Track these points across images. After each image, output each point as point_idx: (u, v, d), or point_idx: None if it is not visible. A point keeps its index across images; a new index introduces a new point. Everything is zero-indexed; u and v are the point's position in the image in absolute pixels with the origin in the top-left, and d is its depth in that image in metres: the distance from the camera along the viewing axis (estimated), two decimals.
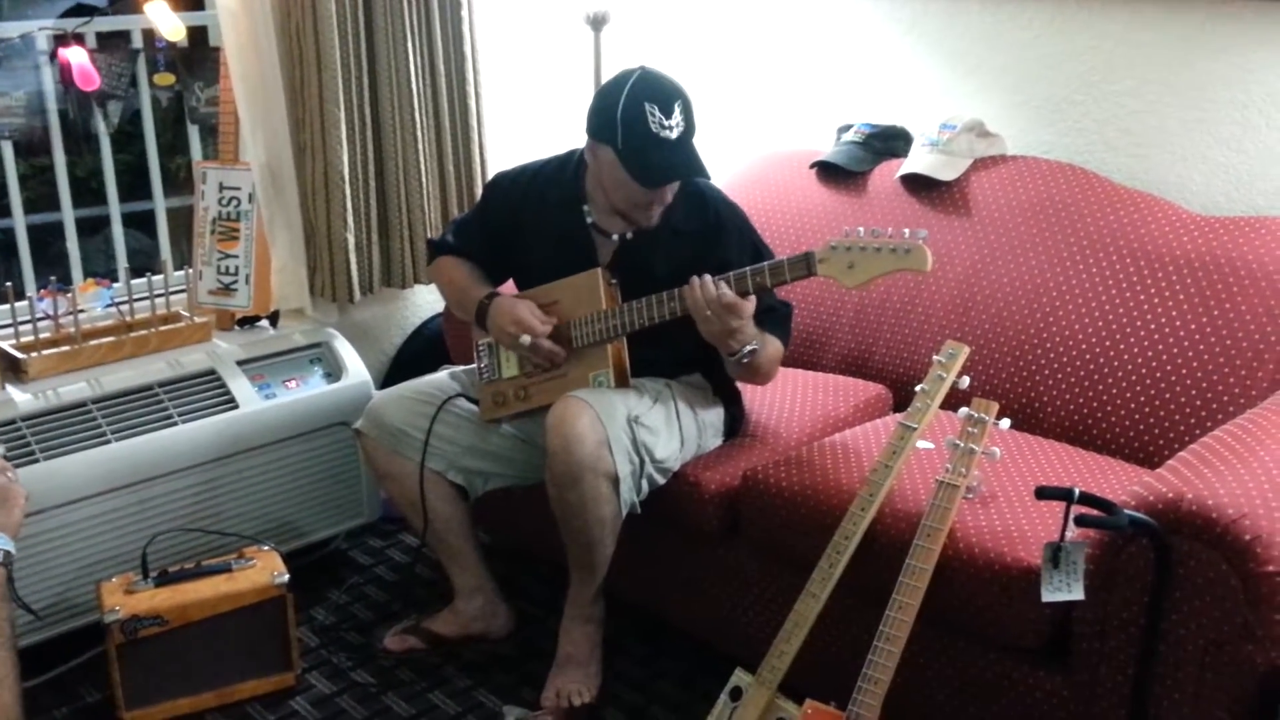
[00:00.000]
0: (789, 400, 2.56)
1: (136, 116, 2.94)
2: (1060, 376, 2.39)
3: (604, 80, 3.16)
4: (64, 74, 2.70)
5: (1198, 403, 2.21)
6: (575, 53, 3.27)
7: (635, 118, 2.12)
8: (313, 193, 2.89)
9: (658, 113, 2.12)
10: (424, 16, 2.94)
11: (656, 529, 2.37)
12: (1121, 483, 2.09)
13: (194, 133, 3.01)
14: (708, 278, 2.11)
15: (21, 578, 2.35)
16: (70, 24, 2.73)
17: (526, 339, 2.26)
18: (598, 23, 3.16)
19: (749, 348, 2.16)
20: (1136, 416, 2.28)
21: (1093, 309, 2.39)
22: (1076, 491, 1.68)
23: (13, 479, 1.44)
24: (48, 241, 3.13)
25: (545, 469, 2.21)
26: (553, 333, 2.29)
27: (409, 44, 2.91)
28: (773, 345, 2.26)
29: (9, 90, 2.75)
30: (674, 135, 2.13)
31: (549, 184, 2.38)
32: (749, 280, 2.11)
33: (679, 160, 2.16)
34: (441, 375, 2.54)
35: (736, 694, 2.02)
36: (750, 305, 2.11)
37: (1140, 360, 2.30)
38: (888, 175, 2.84)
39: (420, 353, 3.23)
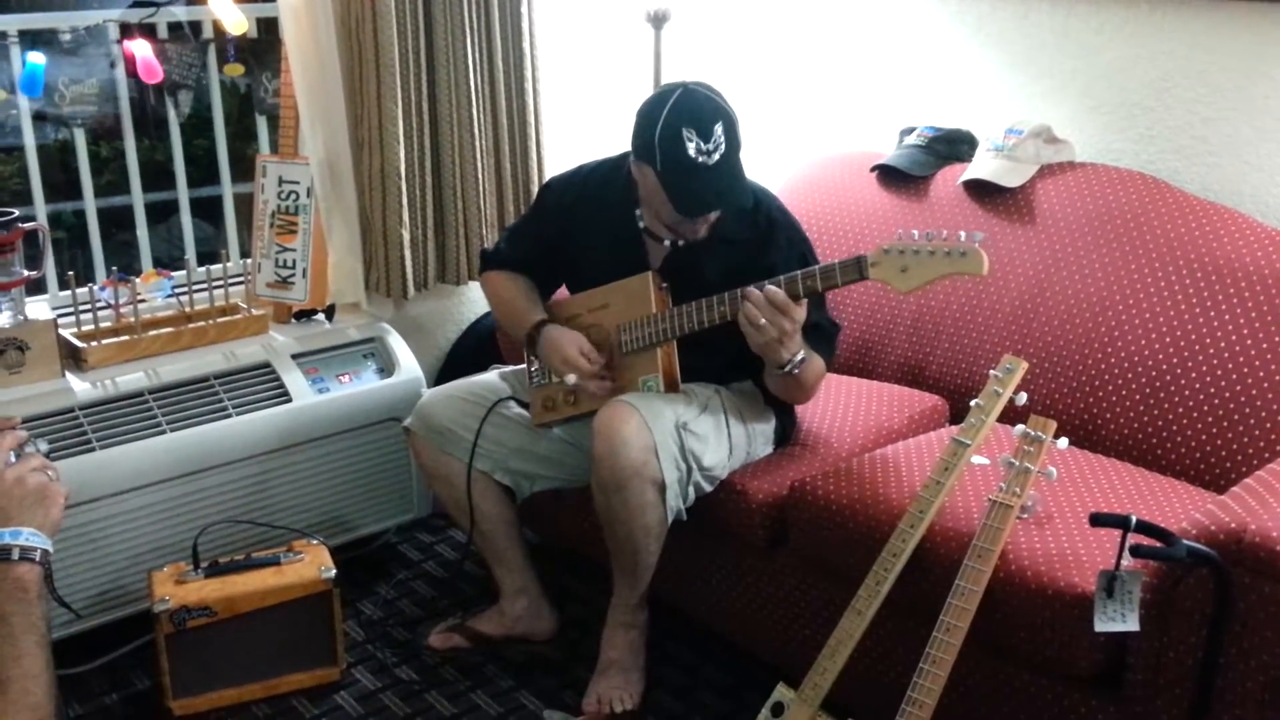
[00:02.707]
0: (842, 409, 2.52)
1: None
2: (1124, 393, 2.32)
3: (663, 80, 3.17)
4: (129, 66, 2.74)
5: (1268, 424, 2.14)
6: (635, 51, 3.25)
7: (673, 143, 2.08)
8: (370, 188, 2.90)
9: (695, 137, 2.07)
10: (483, 13, 2.94)
11: (703, 537, 2.34)
12: (1184, 507, 2.02)
13: (262, 124, 3.04)
14: (754, 288, 2.08)
15: (74, 564, 2.40)
16: (136, 15, 2.76)
17: (572, 378, 2.26)
18: (659, 20, 3.13)
19: (799, 357, 2.12)
20: (1203, 437, 2.20)
21: (1160, 324, 2.32)
22: (1133, 519, 1.62)
23: (53, 478, 1.44)
24: (111, 231, 3.19)
25: (591, 473, 2.20)
26: (599, 344, 2.29)
27: (468, 41, 2.90)
28: (816, 362, 2.22)
29: (82, 78, 2.79)
30: (713, 160, 2.09)
31: (602, 187, 2.36)
32: (799, 283, 2.07)
33: (718, 187, 2.12)
34: (491, 375, 2.54)
35: (778, 710, 1.99)
36: (801, 311, 2.07)
37: (1209, 379, 2.22)
38: (950, 180, 2.78)
39: (474, 349, 3.23)
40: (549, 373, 2.38)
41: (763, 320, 2.06)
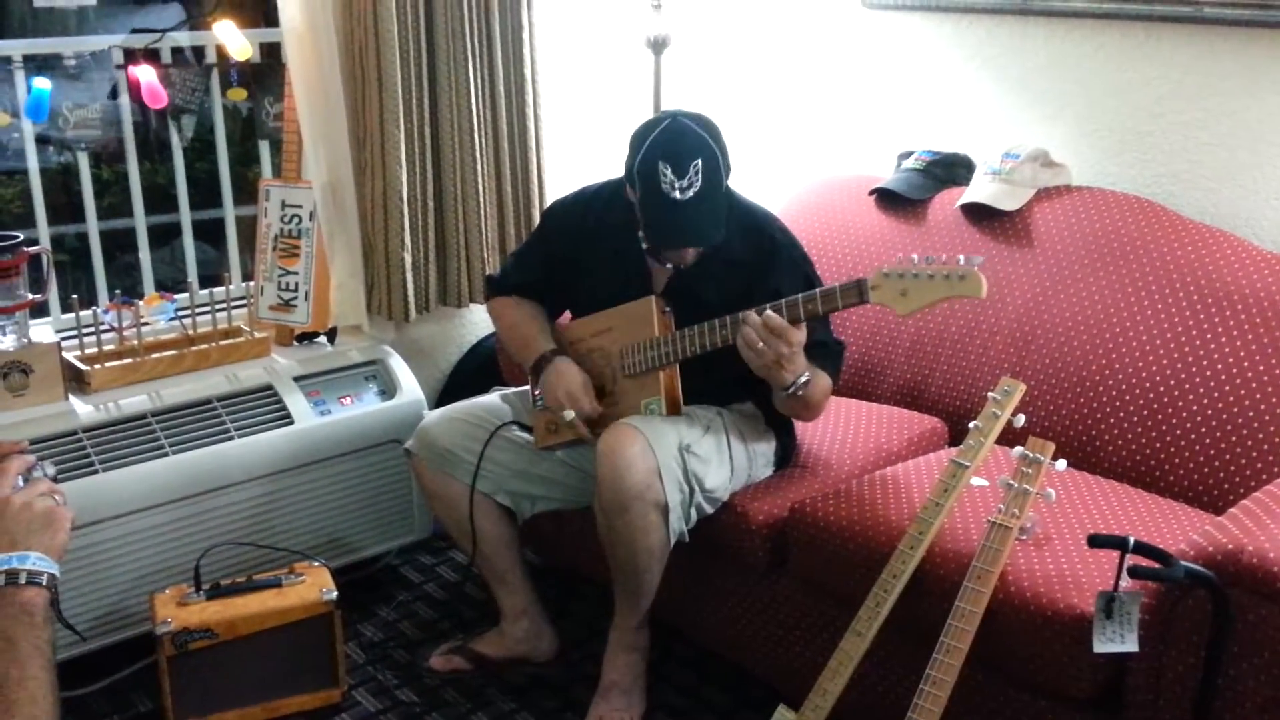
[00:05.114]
0: (842, 431, 2.53)
1: None
2: (1122, 415, 2.33)
3: (663, 105, 3.20)
4: (133, 91, 2.76)
5: (1265, 446, 2.15)
6: (636, 76, 3.27)
7: (649, 174, 2.12)
8: (372, 212, 2.92)
9: (669, 173, 2.10)
10: (485, 38, 2.96)
11: (704, 558, 2.35)
12: (1182, 528, 2.03)
13: (264, 148, 3.06)
14: (752, 312, 2.09)
15: (76, 586, 2.40)
16: (141, 40, 2.78)
17: (569, 415, 2.28)
18: (659, 46, 3.16)
19: (802, 379, 2.13)
20: (1201, 459, 2.22)
21: (1157, 347, 2.33)
22: (1131, 541, 1.63)
23: (60, 502, 1.45)
24: (114, 254, 3.21)
25: (594, 496, 2.21)
26: (602, 367, 2.31)
27: (469, 65, 2.93)
28: (822, 380, 2.23)
29: (86, 103, 2.82)
30: (683, 196, 2.11)
31: (604, 210, 2.38)
32: (800, 307, 2.09)
33: (683, 224, 2.14)
34: (492, 397, 2.55)
35: None
36: (799, 334, 2.09)
37: (1206, 401, 2.24)
38: (948, 204, 2.80)
39: (475, 371, 3.25)
40: None
41: (760, 345, 2.08)
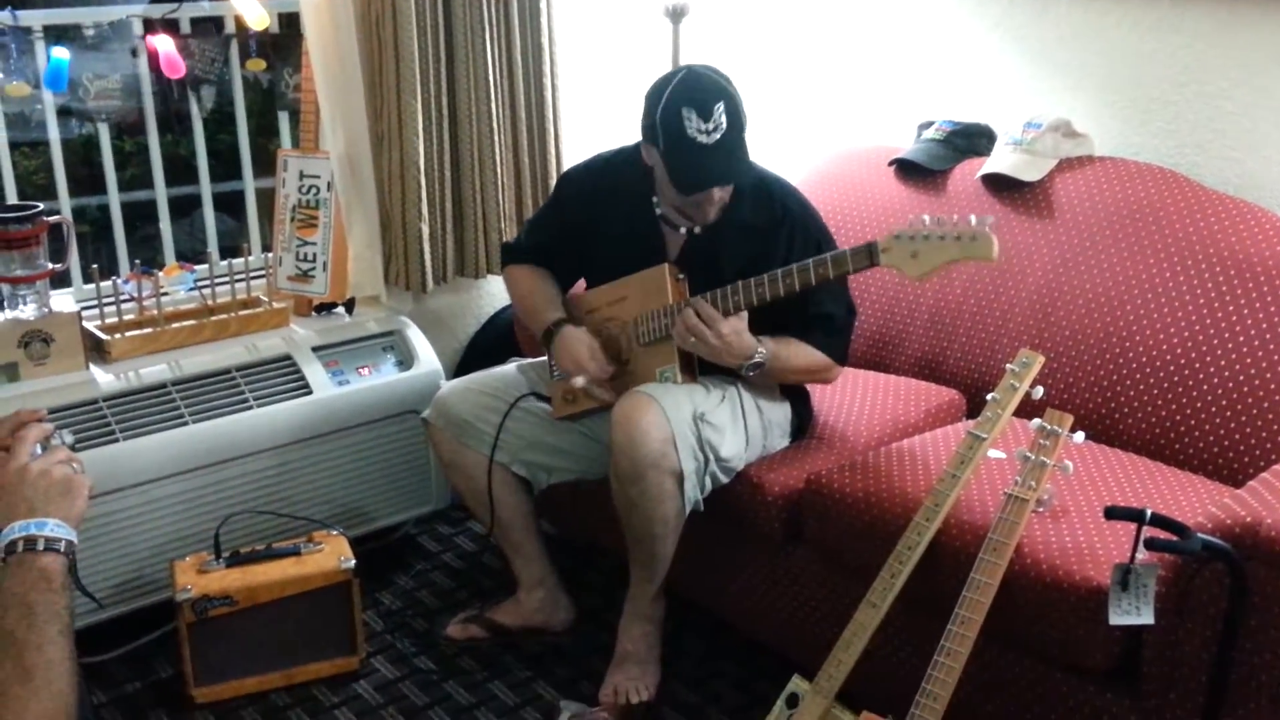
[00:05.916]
0: (858, 402, 2.52)
1: None
2: (1142, 388, 2.31)
3: None
4: (152, 61, 2.76)
5: None
6: (653, 45, 3.25)
7: (673, 122, 2.11)
8: (389, 182, 2.92)
9: (695, 117, 2.09)
10: (502, 8, 2.95)
11: (719, 529, 2.35)
12: (1200, 501, 2.02)
13: (283, 118, 3.06)
14: (698, 300, 2.15)
15: (97, 553, 2.43)
16: (159, 10, 2.78)
17: (580, 381, 2.28)
18: (677, 15, 3.13)
19: (754, 359, 2.18)
20: (1221, 432, 2.20)
21: (1179, 318, 2.31)
22: (1148, 513, 1.62)
23: (78, 470, 1.46)
24: (135, 225, 3.22)
25: (610, 465, 2.21)
26: (617, 336, 2.31)
27: (487, 35, 2.92)
28: (789, 359, 2.25)
29: (106, 73, 2.82)
30: (710, 140, 2.10)
31: (619, 176, 2.38)
32: (811, 272, 2.09)
33: (715, 166, 2.14)
34: (510, 368, 2.56)
35: (793, 701, 2.00)
36: (728, 324, 2.12)
37: (1226, 373, 2.21)
38: (969, 174, 2.78)
39: (492, 342, 3.25)
40: None
41: (691, 339, 2.14)
